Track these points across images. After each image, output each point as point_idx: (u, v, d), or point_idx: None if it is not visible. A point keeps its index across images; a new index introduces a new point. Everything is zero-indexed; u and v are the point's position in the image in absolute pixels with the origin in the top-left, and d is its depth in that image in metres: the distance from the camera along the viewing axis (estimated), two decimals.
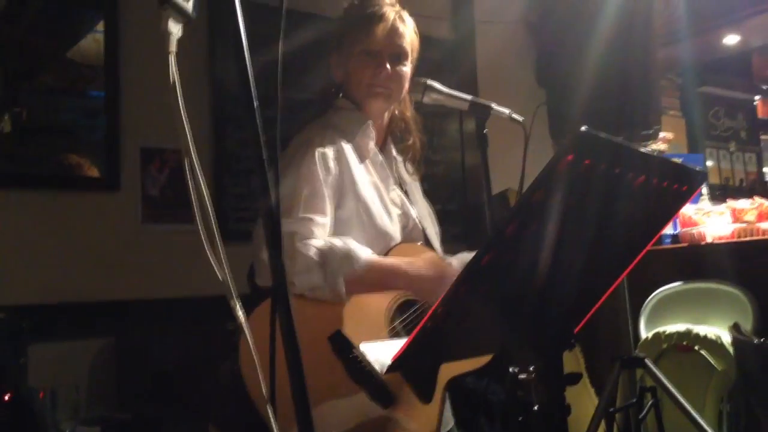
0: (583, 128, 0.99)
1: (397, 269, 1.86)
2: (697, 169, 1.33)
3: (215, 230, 0.94)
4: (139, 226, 3.38)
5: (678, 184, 1.28)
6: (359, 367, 1.72)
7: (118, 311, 3.21)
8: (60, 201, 3.23)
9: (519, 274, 1.14)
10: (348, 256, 1.76)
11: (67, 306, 3.12)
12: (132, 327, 3.19)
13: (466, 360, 1.92)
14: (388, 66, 1.98)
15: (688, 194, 1.34)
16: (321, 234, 1.82)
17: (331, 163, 1.90)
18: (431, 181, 4.33)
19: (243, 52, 1.09)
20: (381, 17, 1.97)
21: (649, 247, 1.39)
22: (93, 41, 3.40)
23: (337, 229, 1.89)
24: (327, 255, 1.75)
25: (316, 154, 1.87)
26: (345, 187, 1.92)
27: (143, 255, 3.36)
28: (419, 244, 2.07)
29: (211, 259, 0.93)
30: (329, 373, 1.71)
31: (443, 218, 4.25)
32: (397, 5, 2.05)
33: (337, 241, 1.79)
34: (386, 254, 1.93)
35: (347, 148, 1.96)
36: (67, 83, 3.30)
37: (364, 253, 1.80)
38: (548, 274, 1.19)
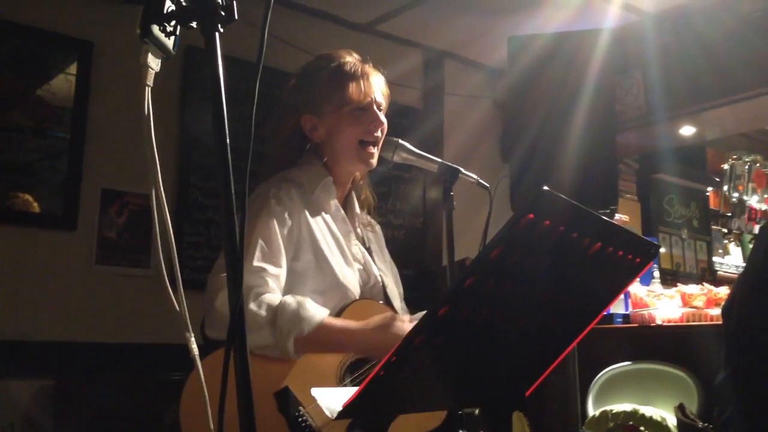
0: (545, 187, 1.01)
1: (348, 332, 1.81)
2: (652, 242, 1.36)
3: (175, 260, 0.94)
4: (91, 268, 3.32)
5: (632, 255, 1.30)
6: (303, 426, 1.69)
7: (61, 352, 3.12)
8: (12, 237, 3.17)
9: (474, 330, 1.15)
10: (299, 316, 1.73)
11: (7, 344, 3.01)
12: (74, 370, 3.09)
13: (415, 425, 1.89)
14: (381, 117, 2.01)
15: (641, 266, 1.36)
16: (275, 286, 1.80)
17: (286, 216, 1.89)
18: (390, 245, 4.33)
19: (221, 100, 1.10)
20: (363, 73, 2.01)
21: (601, 316, 1.40)
22: (65, 81, 3.39)
23: (293, 281, 1.87)
24: (277, 313, 1.73)
25: (272, 206, 1.87)
26: (302, 239, 1.91)
27: (93, 297, 3.28)
28: (380, 302, 2.06)
29: (167, 288, 0.93)
30: (274, 429, 1.68)
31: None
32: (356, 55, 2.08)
33: (290, 300, 1.76)
34: (342, 311, 1.91)
35: (305, 201, 1.96)
36: (34, 123, 3.28)
37: (317, 314, 1.77)
38: (503, 332, 1.20)
